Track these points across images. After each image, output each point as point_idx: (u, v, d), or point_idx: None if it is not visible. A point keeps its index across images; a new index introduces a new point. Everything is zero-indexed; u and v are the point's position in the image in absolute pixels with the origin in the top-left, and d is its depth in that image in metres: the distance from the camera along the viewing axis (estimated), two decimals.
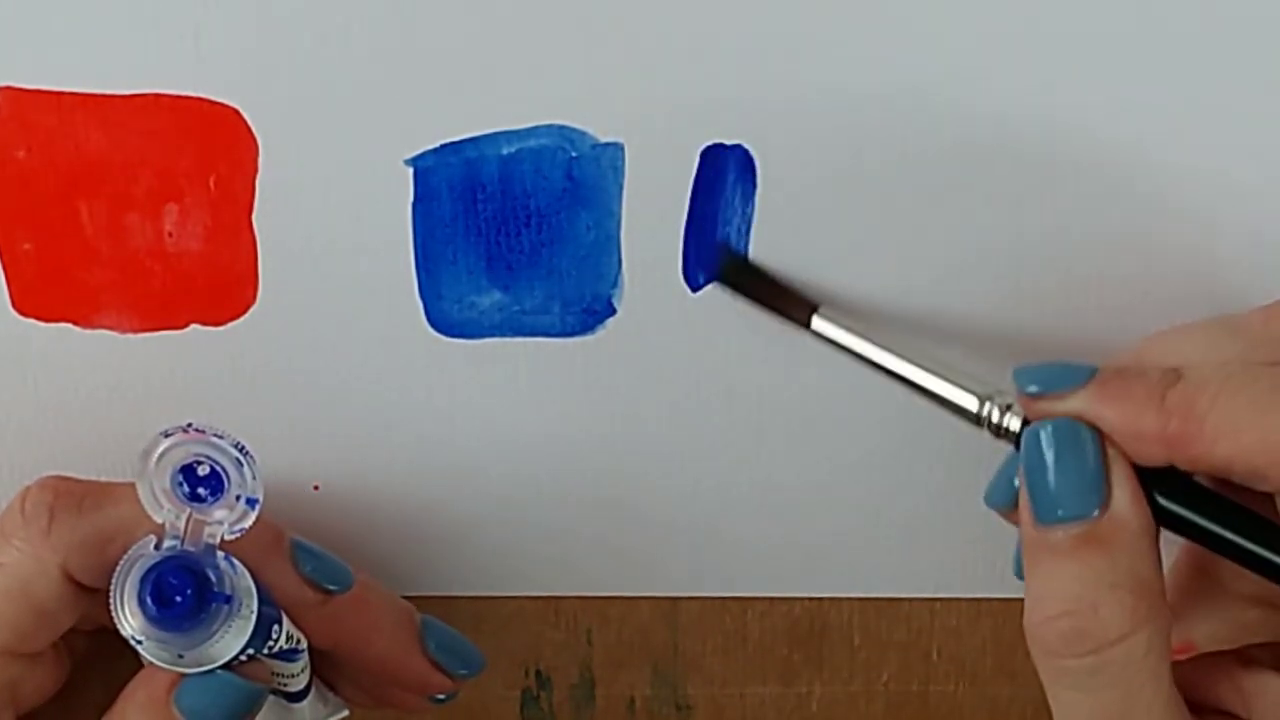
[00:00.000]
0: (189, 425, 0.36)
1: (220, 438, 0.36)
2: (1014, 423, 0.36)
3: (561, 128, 0.40)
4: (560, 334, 0.41)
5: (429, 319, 0.41)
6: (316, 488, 0.42)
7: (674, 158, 0.40)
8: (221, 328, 0.41)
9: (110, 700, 0.38)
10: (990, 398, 0.37)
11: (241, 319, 0.41)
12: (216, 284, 0.41)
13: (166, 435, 0.36)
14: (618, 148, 0.40)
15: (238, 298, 0.41)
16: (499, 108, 0.39)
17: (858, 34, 0.39)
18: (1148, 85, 0.39)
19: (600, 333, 0.41)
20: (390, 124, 0.39)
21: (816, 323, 0.39)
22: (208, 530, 0.36)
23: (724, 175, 0.40)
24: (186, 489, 0.36)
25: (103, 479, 0.42)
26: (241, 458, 0.36)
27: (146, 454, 0.36)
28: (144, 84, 0.39)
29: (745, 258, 0.40)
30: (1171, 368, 0.34)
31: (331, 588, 0.39)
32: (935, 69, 0.39)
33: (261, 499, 0.36)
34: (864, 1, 0.38)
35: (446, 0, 0.38)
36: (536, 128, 0.40)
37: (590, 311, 0.41)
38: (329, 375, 0.42)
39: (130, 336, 0.41)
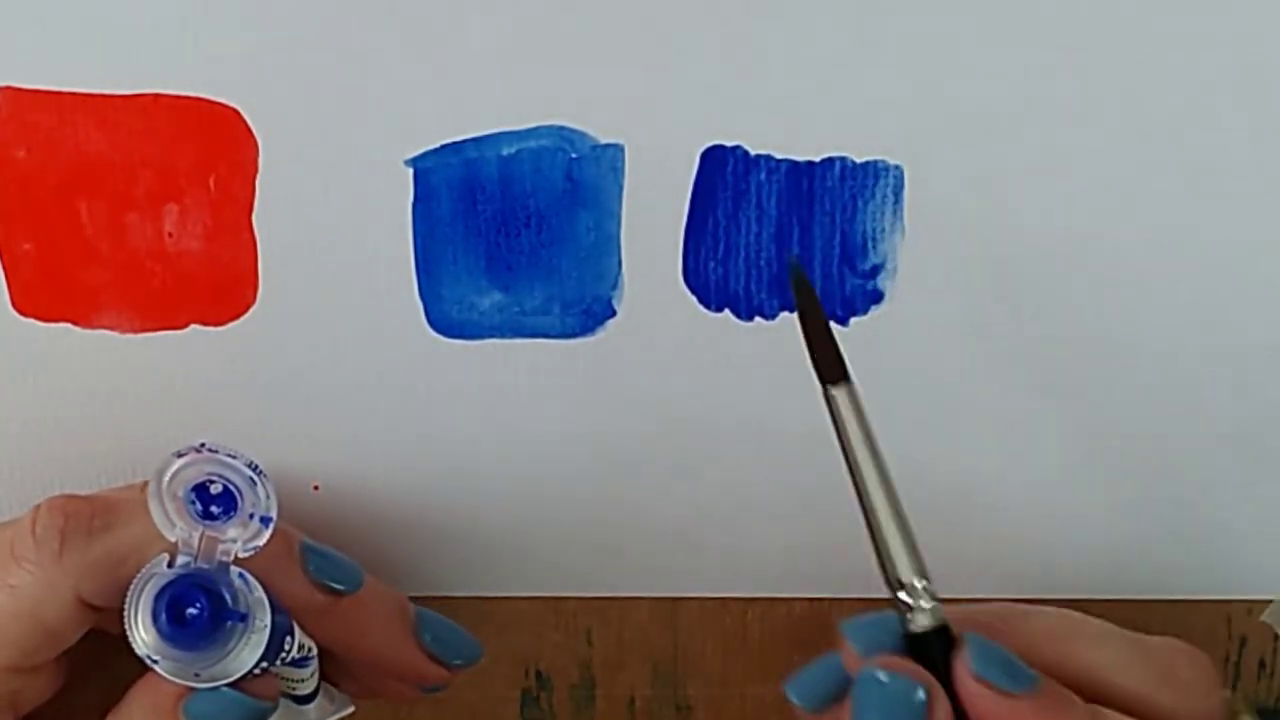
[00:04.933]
0: (202, 445, 0.36)
1: (233, 457, 0.36)
2: (922, 619, 0.36)
3: (561, 128, 0.40)
4: (560, 335, 0.41)
5: (429, 320, 0.41)
6: (316, 488, 0.42)
7: (674, 158, 0.40)
8: (221, 328, 0.41)
9: (108, 700, 0.38)
10: (908, 587, 0.36)
11: (241, 319, 0.41)
12: (216, 284, 0.41)
13: (179, 455, 0.36)
14: (618, 148, 0.40)
15: (238, 298, 0.41)
16: (499, 108, 0.39)
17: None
18: None
19: (600, 334, 0.41)
20: (390, 124, 0.39)
21: (836, 391, 0.36)
22: (221, 548, 0.36)
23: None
24: (199, 507, 0.36)
25: (103, 479, 0.42)
26: (255, 476, 0.36)
27: (159, 473, 0.35)
28: (144, 84, 0.39)
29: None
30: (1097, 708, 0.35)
31: (340, 588, 0.39)
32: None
33: (276, 517, 0.36)
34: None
35: (447, 1, 0.38)
36: (536, 128, 0.40)
37: (590, 313, 0.41)
38: (329, 375, 0.42)
39: (130, 336, 0.41)
